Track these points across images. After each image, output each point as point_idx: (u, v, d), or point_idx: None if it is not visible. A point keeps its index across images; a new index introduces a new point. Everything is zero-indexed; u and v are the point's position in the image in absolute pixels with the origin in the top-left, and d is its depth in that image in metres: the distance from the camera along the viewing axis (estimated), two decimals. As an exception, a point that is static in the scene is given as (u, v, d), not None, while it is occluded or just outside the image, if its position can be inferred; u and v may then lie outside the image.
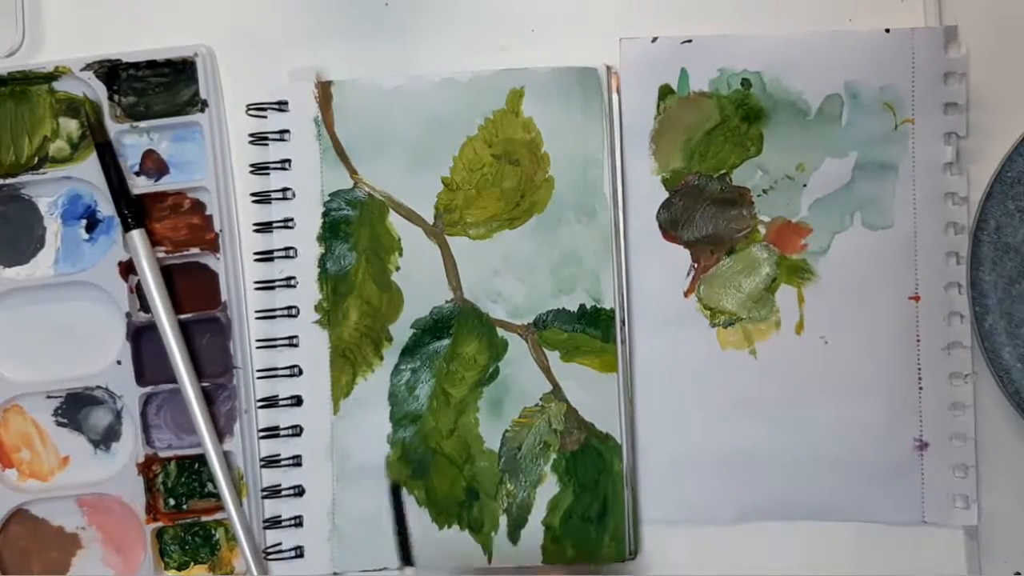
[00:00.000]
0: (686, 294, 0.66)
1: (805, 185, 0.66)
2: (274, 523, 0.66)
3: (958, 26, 0.66)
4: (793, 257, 0.66)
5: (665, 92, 0.66)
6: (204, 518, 0.67)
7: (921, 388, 0.65)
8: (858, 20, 0.67)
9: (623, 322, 0.65)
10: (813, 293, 0.66)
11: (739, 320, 0.66)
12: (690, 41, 0.66)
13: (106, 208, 0.68)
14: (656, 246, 0.66)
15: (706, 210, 0.66)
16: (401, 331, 0.66)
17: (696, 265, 0.66)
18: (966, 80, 0.65)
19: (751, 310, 0.66)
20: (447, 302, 0.66)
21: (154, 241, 0.67)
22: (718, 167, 0.66)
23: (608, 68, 0.66)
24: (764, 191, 0.66)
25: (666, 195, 0.66)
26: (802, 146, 0.66)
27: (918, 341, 0.66)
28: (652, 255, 0.66)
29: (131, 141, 0.68)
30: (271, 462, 0.66)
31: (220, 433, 0.67)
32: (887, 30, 0.65)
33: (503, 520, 0.65)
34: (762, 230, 0.66)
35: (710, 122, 0.66)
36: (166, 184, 0.68)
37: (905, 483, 0.65)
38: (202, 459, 0.67)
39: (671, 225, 0.66)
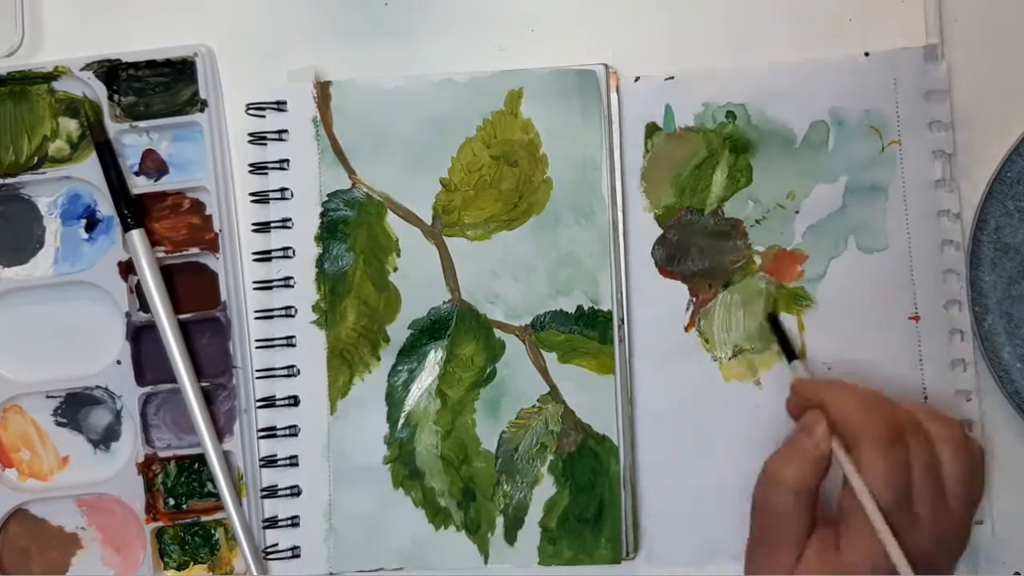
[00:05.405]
0: (686, 329, 0.66)
1: (797, 212, 0.66)
2: (271, 523, 0.66)
3: (938, 44, 0.66)
4: (790, 285, 0.66)
5: (652, 130, 0.66)
6: (204, 518, 0.67)
7: None
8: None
9: (622, 320, 0.65)
10: (813, 320, 0.66)
11: (741, 351, 0.66)
12: (672, 78, 0.66)
13: (106, 208, 0.68)
14: (653, 282, 0.66)
15: (701, 244, 0.66)
16: (399, 332, 0.66)
17: (695, 299, 0.66)
18: (949, 97, 0.65)
19: (753, 341, 0.66)
20: (445, 303, 0.66)
21: (154, 241, 0.67)
22: (709, 200, 0.66)
23: (607, 68, 0.66)
24: (757, 221, 0.66)
25: (660, 231, 0.66)
26: (791, 174, 0.66)
27: (921, 361, 0.65)
28: (650, 291, 0.66)
29: (131, 141, 0.68)
30: (269, 462, 0.66)
31: (220, 433, 0.67)
32: (866, 54, 0.65)
33: (499, 521, 0.65)
34: (758, 260, 0.66)
35: (698, 156, 0.66)
36: (166, 184, 0.68)
37: None
38: (202, 459, 0.67)
39: (667, 261, 0.66)
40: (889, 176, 0.65)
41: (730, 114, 0.66)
